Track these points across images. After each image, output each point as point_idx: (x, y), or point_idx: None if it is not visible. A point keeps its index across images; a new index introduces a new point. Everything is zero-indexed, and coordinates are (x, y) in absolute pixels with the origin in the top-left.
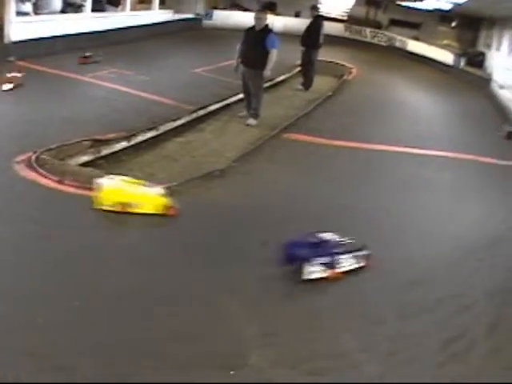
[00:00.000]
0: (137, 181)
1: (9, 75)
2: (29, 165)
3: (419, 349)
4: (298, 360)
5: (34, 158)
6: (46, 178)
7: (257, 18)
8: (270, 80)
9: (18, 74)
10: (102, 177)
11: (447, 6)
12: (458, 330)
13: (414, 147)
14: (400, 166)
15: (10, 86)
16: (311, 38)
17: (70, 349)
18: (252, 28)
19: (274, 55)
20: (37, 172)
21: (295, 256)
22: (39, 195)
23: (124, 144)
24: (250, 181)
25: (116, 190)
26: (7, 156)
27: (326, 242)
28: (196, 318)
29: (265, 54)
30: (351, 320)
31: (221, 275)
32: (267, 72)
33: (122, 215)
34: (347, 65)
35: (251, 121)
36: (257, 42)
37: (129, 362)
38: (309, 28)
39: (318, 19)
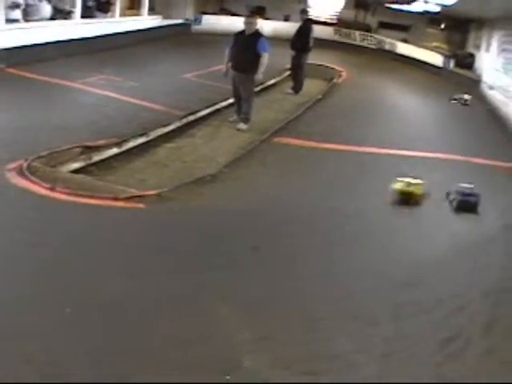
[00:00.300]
0: None
1: None
2: (20, 172)
3: (416, 349)
4: (293, 362)
5: (25, 165)
6: (37, 185)
7: (247, 23)
8: (261, 84)
9: None
10: (93, 183)
11: (436, 8)
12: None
13: (404, 149)
14: (391, 167)
15: None
16: (301, 41)
17: (65, 354)
18: (242, 32)
19: (265, 59)
20: (28, 179)
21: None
22: (31, 202)
23: (115, 150)
24: (241, 185)
25: None
26: None
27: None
28: (188, 324)
29: (256, 58)
30: (347, 321)
31: (211, 280)
32: (259, 76)
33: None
34: (337, 68)
35: (242, 125)
36: (248, 46)
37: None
38: (298, 32)
39: (307, 23)
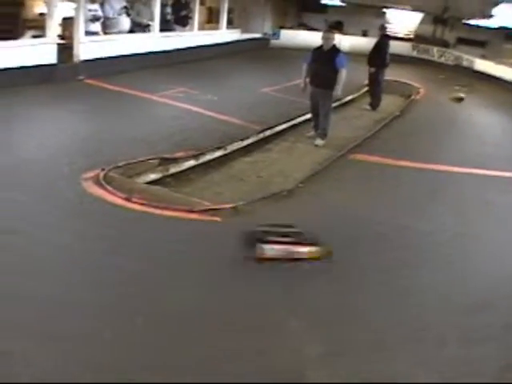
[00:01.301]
0: None
1: None
2: (97, 181)
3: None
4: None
5: (102, 175)
6: (113, 194)
7: (325, 38)
8: (338, 100)
9: None
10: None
11: None
12: None
13: (481, 168)
14: (467, 187)
15: None
16: (378, 57)
17: (134, 364)
18: (320, 48)
19: (343, 75)
20: (104, 189)
21: None
22: (106, 212)
23: (192, 163)
24: (316, 201)
25: None
26: (76, 173)
27: None
28: (261, 337)
29: (334, 74)
30: (412, 342)
31: (285, 295)
32: (338, 92)
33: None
34: (415, 84)
35: (319, 141)
36: (326, 61)
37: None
38: (375, 47)
39: (384, 38)
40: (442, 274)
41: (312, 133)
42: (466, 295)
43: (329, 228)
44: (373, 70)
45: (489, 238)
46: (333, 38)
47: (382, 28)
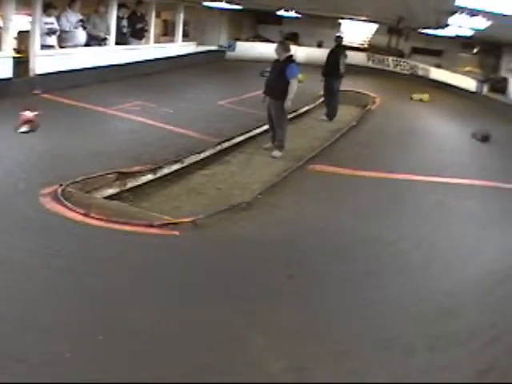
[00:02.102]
0: None
1: (23, 114)
2: (55, 197)
3: (451, 380)
4: None
5: (59, 190)
6: (72, 210)
7: (276, 51)
8: (294, 111)
9: (30, 114)
10: (128, 210)
11: (468, 33)
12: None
13: (438, 176)
14: (425, 195)
15: (26, 128)
16: (332, 67)
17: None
18: (277, 59)
19: (294, 85)
20: (63, 205)
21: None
22: (65, 228)
23: (149, 177)
24: (276, 213)
25: None
26: (33, 189)
27: None
28: (223, 354)
29: (286, 85)
30: (379, 352)
31: (246, 308)
32: (287, 103)
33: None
34: (371, 94)
35: (276, 153)
36: (278, 72)
37: None
38: (329, 58)
39: (339, 48)
40: (405, 282)
41: (269, 144)
42: (430, 302)
43: (289, 240)
44: (327, 80)
45: (450, 245)
46: (285, 50)
47: (338, 38)
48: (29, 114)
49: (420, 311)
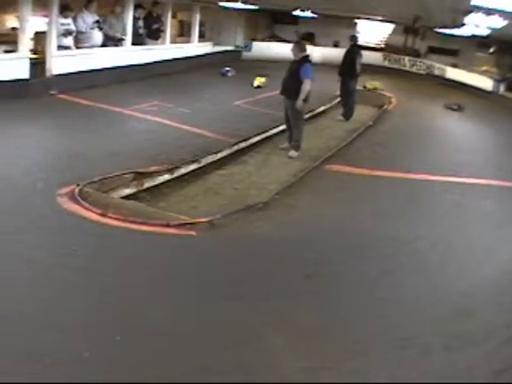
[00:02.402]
0: None
1: None
2: (72, 197)
3: (469, 380)
4: None
5: (76, 190)
6: (89, 210)
7: (292, 50)
8: (311, 111)
9: None
10: (144, 210)
11: (485, 32)
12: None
13: (455, 176)
14: (442, 195)
15: None
16: (348, 67)
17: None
18: (295, 59)
19: (306, 85)
20: (80, 204)
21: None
22: (82, 228)
23: (166, 177)
24: (292, 213)
25: None
26: (51, 189)
27: None
28: (239, 354)
29: (299, 85)
30: (396, 351)
31: (264, 308)
32: (298, 102)
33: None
34: (387, 94)
35: (293, 153)
36: (293, 72)
37: None
38: (345, 57)
39: (355, 48)
40: (422, 282)
41: (286, 144)
42: (447, 302)
43: (306, 240)
44: (343, 80)
45: (466, 245)
46: (301, 49)
47: (353, 38)
48: None
49: (436, 311)
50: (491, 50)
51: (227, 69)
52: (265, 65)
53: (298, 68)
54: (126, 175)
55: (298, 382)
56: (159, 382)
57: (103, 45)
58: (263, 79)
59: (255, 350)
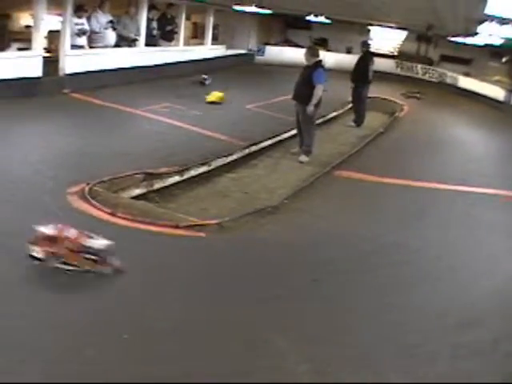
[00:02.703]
0: None
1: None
2: (82, 196)
3: None
4: None
5: (86, 189)
6: (98, 209)
7: (305, 54)
8: (323, 116)
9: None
10: (154, 210)
11: (498, 41)
12: None
13: (464, 185)
14: (452, 204)
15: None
16: (360, 73)
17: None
18: (308, 65)
19: (318, 91)
20: (89, 203)
21: None
22: (92, 227)
23: (177, 178)
24: (301, 218)
25: None
26: (61, 187)
27: None
28: (246, 356)
29: (311, 90)
30: (402, 359)
31: (269, 311)
32: (310, 107)
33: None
34: (399, 102)
35: (303, 157)
36: (305, 77)
37: None
38: (357, 64)
39: (367, 55)
40: (429, 290)
41: (296, 149)
42: (454, 311)
43: (315, 244)
44: (355, 86)
45: (475, 254)
46: (314, 55)
47: (365, 45)
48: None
49: (443, 319)
50: (504, 60)
51: (205, 77)
52: (277, 69)
53: (310, 73)
54: (136, 175)
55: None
56: (159, 382)
57: (116, 45)
58: (220, 94)
59: (260, 352)
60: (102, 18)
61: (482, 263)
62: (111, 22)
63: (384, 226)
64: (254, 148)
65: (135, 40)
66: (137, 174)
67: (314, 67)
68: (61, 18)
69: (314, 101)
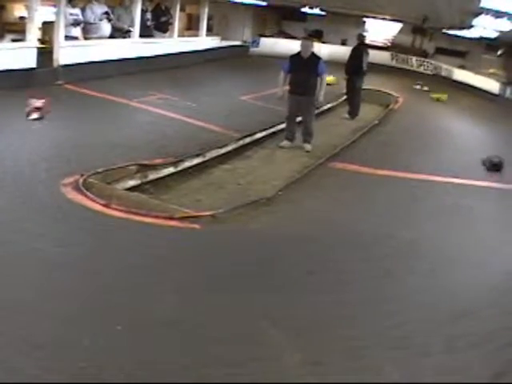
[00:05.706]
0: None
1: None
2: (76, 187)
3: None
4: None
5: (81, 181)
6: (92, 201)
7: (303, 46)
8: (317, 108)
9: (37, 102)
10: (148, 202)
11: (493, 34)
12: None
13: (458, 177)
14: (445, 195)
15: (36, 115)
16: (354, 65)
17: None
18: (298, 55)
19: (325, 81)
20: (83, 195)
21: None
22: (85, 218)
23: (171, 169)
24: (296, 209)
25: None
26: (55, 178)
27: None
28: (237, 347)
29: (316, 81)
30: (395, 350)
31: (263, 302)
32: (320, 98)
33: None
34: (393, 94)
35: (308, 146)
36: (308, 69)
37: None
38: (351, 55)
39: (361, 46)
40: (424, 282)
41: (285, 142)
42: (448, 303)
43: (309, 236)
44: (349, 78)
45: (469, 246)
46: (311, 46)
47: (360, 37)
48: (36, 102)
49: (437, 311)
50: (499, 53)
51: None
52: (272, 61)
53: (312, 64)
54: (130, 167)
55: (296, 374)
56: (159, 382)
57: (111, 36)
58: None
59: (253, 343)
60: (98, 9)
61: (476, 255)
62: (106, 13)
63: (378, 218)
64: (248, 139)
65: (129, 31)
66: (131, 165)
67: (315, 59)
68: (55, 9)
69: (323, 91)
